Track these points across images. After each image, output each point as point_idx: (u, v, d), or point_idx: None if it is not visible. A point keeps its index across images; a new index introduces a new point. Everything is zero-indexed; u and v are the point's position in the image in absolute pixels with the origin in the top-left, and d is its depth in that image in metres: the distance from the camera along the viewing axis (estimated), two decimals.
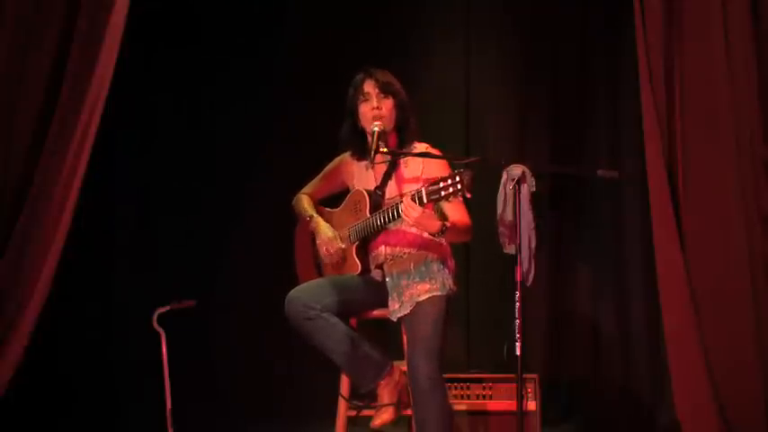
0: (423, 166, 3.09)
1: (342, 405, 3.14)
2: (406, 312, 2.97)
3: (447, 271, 3.08)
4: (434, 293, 2.98)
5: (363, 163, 3.21)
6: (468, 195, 2.71)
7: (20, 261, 3.16)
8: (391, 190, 3.12)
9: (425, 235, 3.07)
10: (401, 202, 2.86)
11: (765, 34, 3.12)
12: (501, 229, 3.30)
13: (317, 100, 4.21)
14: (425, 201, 2.77)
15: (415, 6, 4.41)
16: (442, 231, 2.89)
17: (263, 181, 4.33)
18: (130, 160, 4.40)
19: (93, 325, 4.19)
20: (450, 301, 3.03)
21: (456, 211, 3.00)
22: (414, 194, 2.79)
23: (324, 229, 3.19)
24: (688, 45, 3.15)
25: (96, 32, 3.19)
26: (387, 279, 3.08)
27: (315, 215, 3.27)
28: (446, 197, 2.72)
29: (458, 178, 2.69)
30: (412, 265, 3.05)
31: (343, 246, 3.15)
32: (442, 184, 2.72)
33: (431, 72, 4.36)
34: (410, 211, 2.80)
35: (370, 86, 3.10)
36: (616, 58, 4.13)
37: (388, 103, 3.09)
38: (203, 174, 4.45)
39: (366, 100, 3.10)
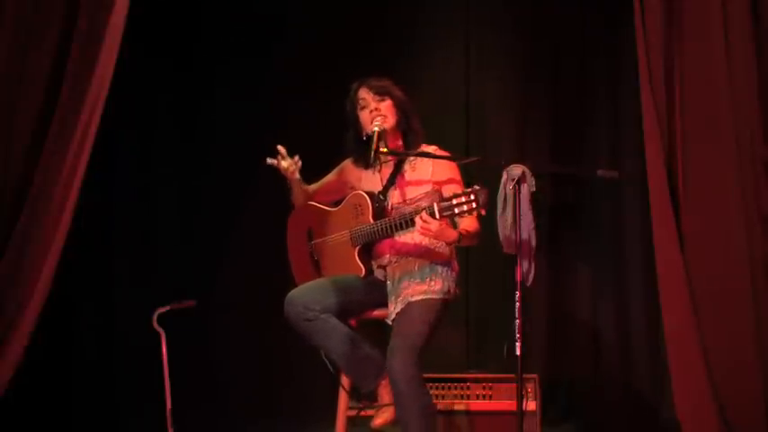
0: (432, 169, 3.09)
1: (342, 401, 3.14)
2: (397, 311, 2.97)
3: (452, 274, 3.08)
4: (430, 296, 2.98)
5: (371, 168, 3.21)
6: (483, 213, 2.71)
7: (20, 261, 3.16)
8: (394, 194, 3.12)
9: (431, 241, 3.06)
10: (414, 214, 2.84)
11: (765, 34, 3.12)
12: (501, 228, 3.29)
13: (317, 100, 4.20)
14: (438, 216, 2.76)
15: (414, 6, 4.40)
16: (459, 240, 2.89)
17: (262, 181, 4.30)
18: (130, 160, 4.39)
19: (93, 325, 4.19)
20: (447, 305, 3.03)
21: (466, 218, 2.98)
22: (426, 210, 2.79)
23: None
24: (688, 45, 3.14)
25: (96, 32, 3.19)
26: (388, 282, 3.08)
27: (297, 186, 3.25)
28: (460, 214, 2.72)
29: (473, 197, 2.68)
30: (416, 266, 3.06)
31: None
32: (455, 201, 2.71)
33: (431, 72, 4.35)
34: (428, 225, 2.78)
35: (365, 92, 3.11)
36: (616, 58, 4.12)
37: (385, 104, 3.09)
38: (203, 174, 4.45)
39: (364, 106, 3.11)
